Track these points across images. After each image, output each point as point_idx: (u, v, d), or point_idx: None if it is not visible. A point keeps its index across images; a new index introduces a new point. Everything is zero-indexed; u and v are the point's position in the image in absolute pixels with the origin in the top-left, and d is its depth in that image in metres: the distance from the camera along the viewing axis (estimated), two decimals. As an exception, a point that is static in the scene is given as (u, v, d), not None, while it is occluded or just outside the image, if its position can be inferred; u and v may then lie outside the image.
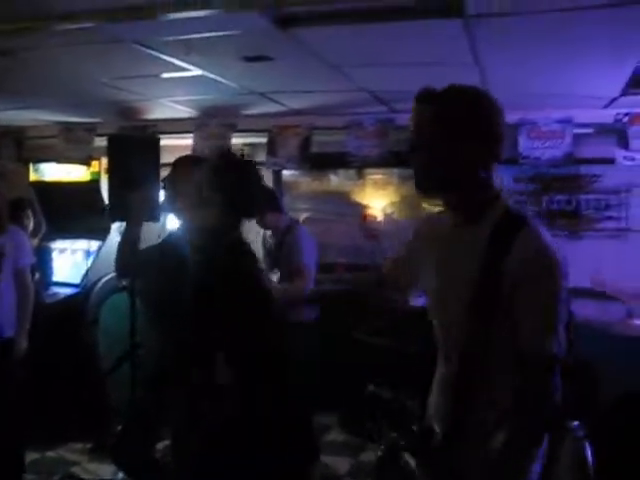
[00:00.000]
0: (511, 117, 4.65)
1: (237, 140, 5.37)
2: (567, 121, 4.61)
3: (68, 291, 5.11)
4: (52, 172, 5.67)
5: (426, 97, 1.75)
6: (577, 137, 4.63)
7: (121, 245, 3.22)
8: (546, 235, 1.72)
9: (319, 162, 5.23)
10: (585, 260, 4.95)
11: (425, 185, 1.81)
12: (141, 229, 3.23)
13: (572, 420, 2.99)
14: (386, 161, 4.95)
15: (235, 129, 5.27)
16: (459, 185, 1.77)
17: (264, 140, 5.27)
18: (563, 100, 4.40)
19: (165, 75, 3.90)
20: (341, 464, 4.55)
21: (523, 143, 4.67)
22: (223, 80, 4.02)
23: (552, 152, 4.62)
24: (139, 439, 3.19)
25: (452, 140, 1.70)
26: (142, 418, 3.26)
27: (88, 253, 5.25)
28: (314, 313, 4.28)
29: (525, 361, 1.67)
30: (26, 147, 5.90)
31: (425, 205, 5.38)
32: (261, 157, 5.47)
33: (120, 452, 3.22)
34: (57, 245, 5.37)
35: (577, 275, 5.06)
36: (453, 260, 1.81)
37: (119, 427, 3.79)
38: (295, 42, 3.12)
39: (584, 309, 4.46)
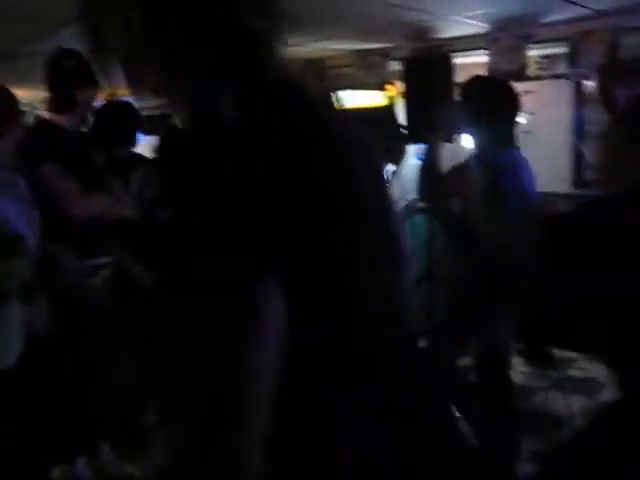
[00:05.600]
0: None
1: (533, 52, 5.08)
2: None
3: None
4: (350, 99, 5.91)
5: None
6: None
7: (422, 168, 3.29)
8: None
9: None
10: None
11: None
12: (440, 150, 3.26)
13: None
14: None
15: (532, 41, 4.97)
16: None
17: (564, 50, 4.91)
18: None
19: (457, -11, 3.80)
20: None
21: None
22: (519, -13, 3.79)
23: None
24: None
25: None
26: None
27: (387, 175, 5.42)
28: None
29: None
30: (326, 77, 6.20)
31: None
32: (560, 69, 5.13)
33: None
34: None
35: None
36: None
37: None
38: None
39: None
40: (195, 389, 0.94)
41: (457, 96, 3.33)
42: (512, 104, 3.22)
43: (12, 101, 2.75)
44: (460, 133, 3.89)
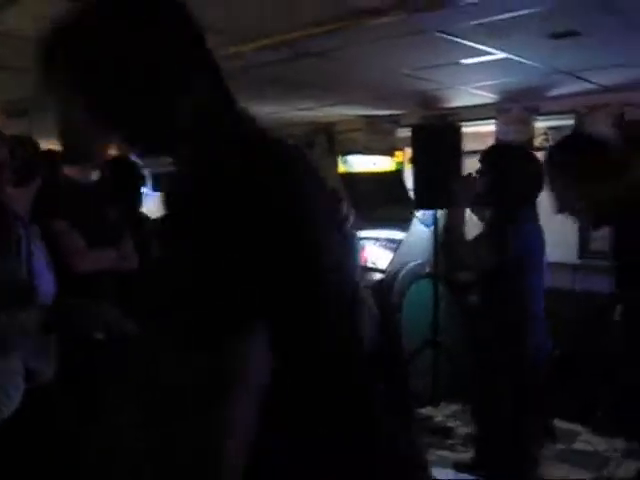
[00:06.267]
0: None
1: (540, 124, 5.15)
2: None
3: (375, 277, 5.34)
4: (359, 163, 5.98)
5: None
6: None
7: (445, 236, 3.28)
8: None
9: (635, 143, 4.79)
10: None
11: None
12: (464, 216, 3.24)
13: None
14: None
15: (538, 112, 5.07)
16: None
17: (570, 122, 4.99)
18: None
19: (464, 61, 3.88)
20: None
21: None
22: (527, 61, 3.87)
23: None
24: None
25: None
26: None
27: (392, 241, 5.43)
28: None
29: None
30: (336, 141, 6.30)
31: None
32: (567, 140, 5.20)
33: None
34: (364, 233, 5.63)
35: None
36: None
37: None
38: (608, 12, 2.88)
39: None
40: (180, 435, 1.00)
41: (476, 166, 3.30)
42: (534, 175, 3.17)
43: (36, 151, 2.80)
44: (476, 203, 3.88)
